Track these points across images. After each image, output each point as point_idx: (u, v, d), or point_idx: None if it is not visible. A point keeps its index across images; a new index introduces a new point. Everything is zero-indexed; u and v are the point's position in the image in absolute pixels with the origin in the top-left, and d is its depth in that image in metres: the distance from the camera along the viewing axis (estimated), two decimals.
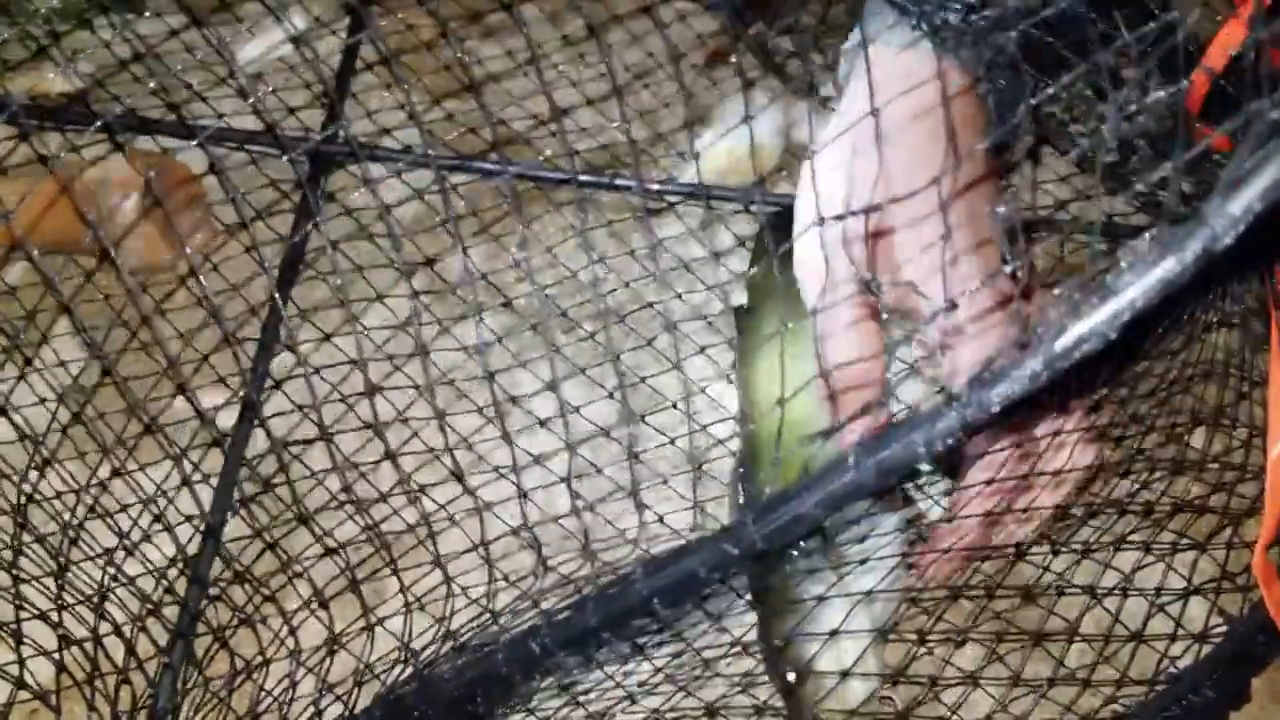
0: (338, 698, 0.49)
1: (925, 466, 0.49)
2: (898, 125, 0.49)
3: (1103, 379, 0.52)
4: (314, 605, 0.51)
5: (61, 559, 0.49)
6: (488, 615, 0.48)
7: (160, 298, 0.68)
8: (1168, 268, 0.30)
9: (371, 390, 0.39)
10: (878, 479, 0.33)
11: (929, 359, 0.56)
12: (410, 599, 0.51)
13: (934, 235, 0.36)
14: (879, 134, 0.35)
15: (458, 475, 0.45)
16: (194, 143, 0.73)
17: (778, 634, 0.53)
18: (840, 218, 0.37)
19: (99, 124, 0.73)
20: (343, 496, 0.54)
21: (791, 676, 0.53)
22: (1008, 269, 0.32)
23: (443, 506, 0.57)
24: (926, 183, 0.34)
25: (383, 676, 0.48)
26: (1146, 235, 0.31)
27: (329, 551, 0.52)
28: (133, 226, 0.65)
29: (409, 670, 0.47)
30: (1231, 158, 0.30)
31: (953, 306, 0.33)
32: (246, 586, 0.53)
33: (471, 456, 0.60)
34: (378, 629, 0.51)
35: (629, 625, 0.38)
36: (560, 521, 0.55)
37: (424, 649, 0.49)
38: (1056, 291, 0.31)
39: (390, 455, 0.47)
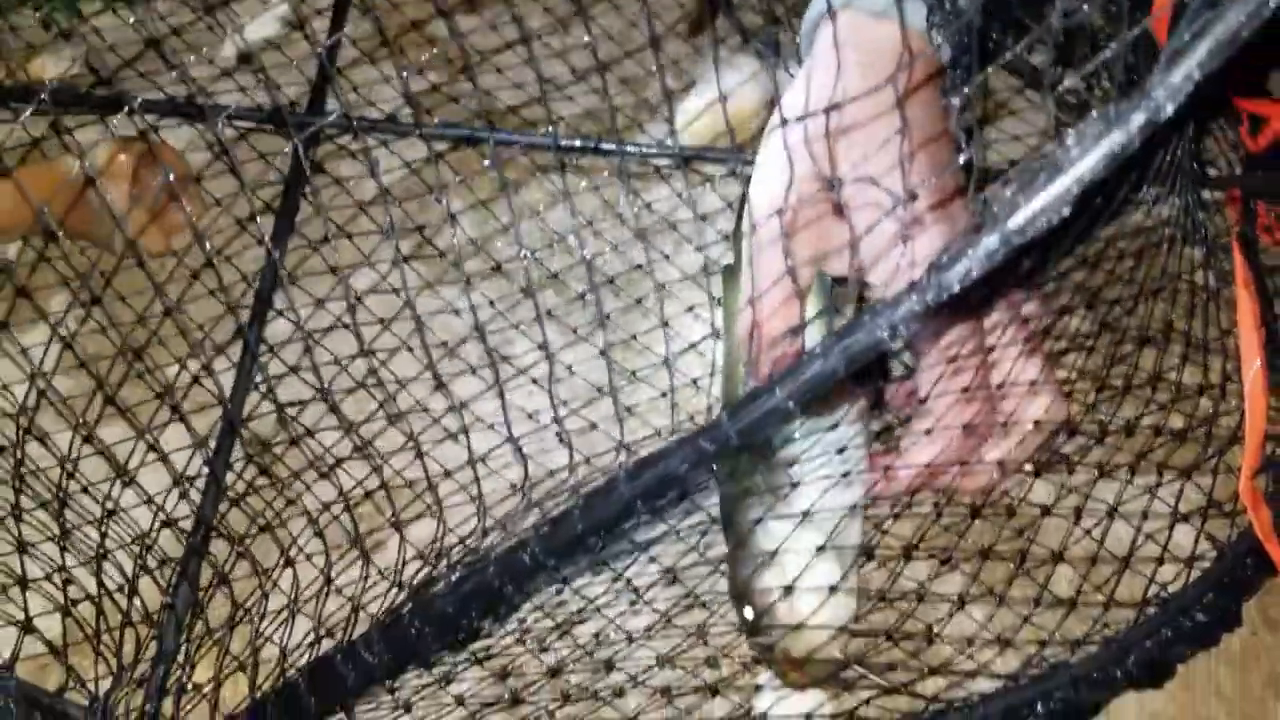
0: (329, 632, 0.50)
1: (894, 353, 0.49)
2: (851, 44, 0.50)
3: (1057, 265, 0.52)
4: (310, 534, 0.52)
5: (61, 494, 0.50)
6: (478, 533, 0.49)
7: (156, 270, 0.70)
8: (1114, 140, 0.31)
9: (352, 305, 0.40)
10: (846, 365, 0.35)
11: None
12: (401, 519, 0.52)
13: (889, 134, 0.37)
14: (837, 42, 0.37)
15: (440, 383, 0.46)
16: (177, 121, 0.76)
17: (739, 567, 0.54)
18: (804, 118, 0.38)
19: (89, 104, 0.75)
20: (331, 419, 0.54)
21: (749, 613, 0.53)
22: (962, 158, 0.33)
23: (424, 432, 0.57)
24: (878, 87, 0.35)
25: (379, 601, 0.49)
26: (1093, 113, 0.32)
27: (323, 475, 0.53)
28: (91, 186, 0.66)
29: (403, 593, 0.48)
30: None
31: (913, 197, 0.34)
32: (243, 526, 0.53)
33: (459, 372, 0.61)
34: (374, 553, 0.52)
35: (616, 531, 0.39)
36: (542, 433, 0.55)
37: (417, 570, 0.50)
38: (1009, 173, 0.32)
39: (367, 354, 0.47)
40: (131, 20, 0.78)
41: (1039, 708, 0.54)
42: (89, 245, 0.71)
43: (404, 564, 0.50)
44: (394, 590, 0.49)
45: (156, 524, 0.52)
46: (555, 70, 0.82)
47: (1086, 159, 0.31)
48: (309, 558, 0.54)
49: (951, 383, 0.55)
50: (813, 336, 0.57)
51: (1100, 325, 0.64)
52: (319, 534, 0.52)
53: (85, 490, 0.54)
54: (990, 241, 0.32)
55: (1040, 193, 0.32)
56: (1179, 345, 0.65)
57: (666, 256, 0.74)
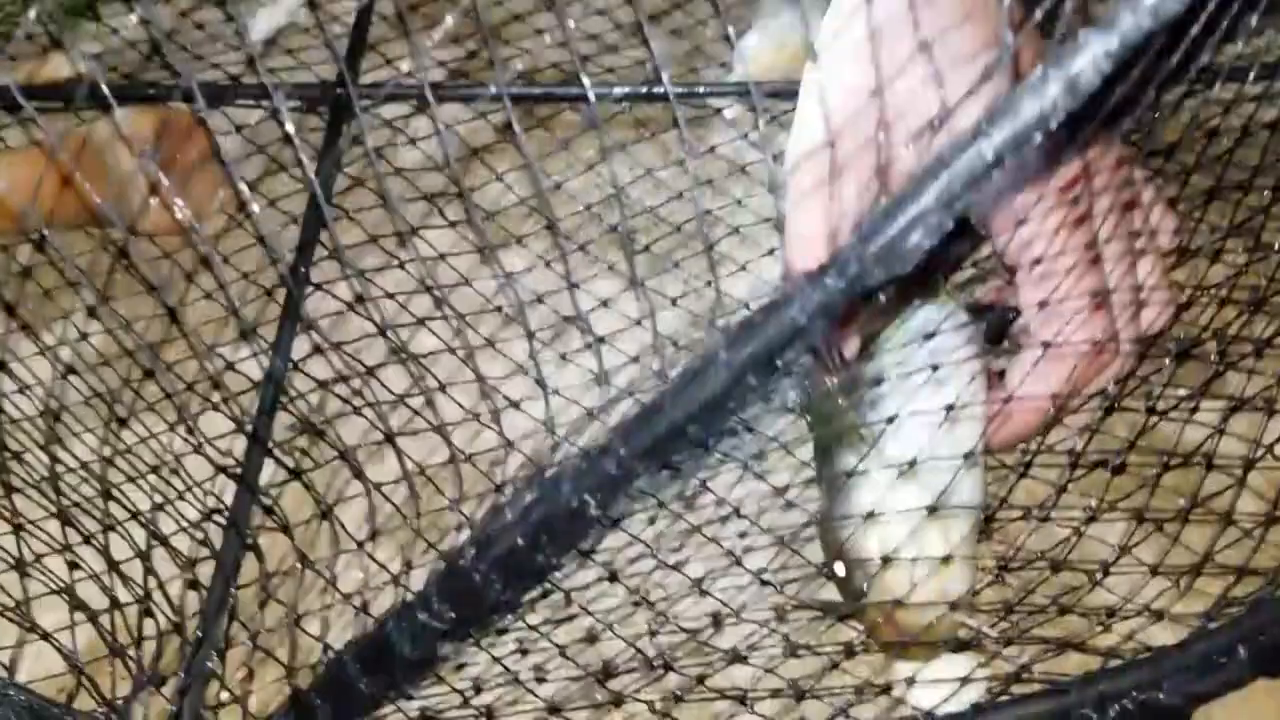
0: (360, 594, 0.42)
1: None
2: None
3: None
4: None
5: (105, 484, 0.43)
6: (547, 448, 0.41)
7: (180, 256, 0.64)
8: None
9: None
10: (1011, 149, 0.26)
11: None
12: (461, 455, 0.43)
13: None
14: None
15: (530, 334, 0.38)
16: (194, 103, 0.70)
17: (831, 523, 0.46)
18: None
19: (106, 95, 0.70)
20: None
21: (840, 569, 0.45)
22: None
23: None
24: None
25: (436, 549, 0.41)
26: None
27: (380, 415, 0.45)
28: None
29: (465, 535, 0.40)
30: None
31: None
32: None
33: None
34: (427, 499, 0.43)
35: (720, 415, 0.31)
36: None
37: (477, 507, 0.42)
38: None
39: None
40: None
41: (1240, 652, 0.45)
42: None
43: (463, 497, 0.42)
44: (454, 532, 0.41)
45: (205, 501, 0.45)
46: (597, 26, 0.76)
47: None
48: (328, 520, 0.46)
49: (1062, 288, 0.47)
50: None
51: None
52: (358, 475, 0.44)
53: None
54: (1126, 21, 0.24)
55: None
56: None
57: (739, 201, 0.66)
